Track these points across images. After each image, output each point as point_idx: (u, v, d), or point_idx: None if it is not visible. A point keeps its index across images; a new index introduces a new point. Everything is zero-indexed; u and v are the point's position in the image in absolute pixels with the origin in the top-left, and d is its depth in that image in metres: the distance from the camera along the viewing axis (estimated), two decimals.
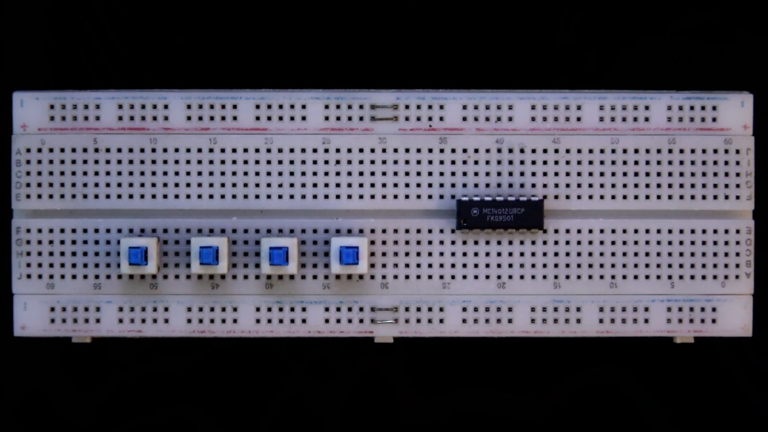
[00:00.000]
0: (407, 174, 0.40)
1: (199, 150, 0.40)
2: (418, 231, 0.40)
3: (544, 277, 0.41)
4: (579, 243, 0.41)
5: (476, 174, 0.40)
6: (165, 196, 0.40)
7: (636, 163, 0.40)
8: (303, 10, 0.44)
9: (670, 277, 0.41)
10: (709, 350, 0.43)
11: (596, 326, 0.41)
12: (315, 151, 0.40)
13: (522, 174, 0.40)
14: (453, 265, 0.40)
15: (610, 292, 0.41)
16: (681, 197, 0.41)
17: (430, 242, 0.40)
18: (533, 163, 0.40)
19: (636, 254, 0.41)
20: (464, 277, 0.40)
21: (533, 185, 0.40)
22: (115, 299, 0.40)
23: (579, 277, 0.41)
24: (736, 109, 0.40)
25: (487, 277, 0.40)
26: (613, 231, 0.41)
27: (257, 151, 0.40)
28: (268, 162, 0.40)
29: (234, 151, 0.40)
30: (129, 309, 0.40)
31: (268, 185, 0.40)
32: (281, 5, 0.44)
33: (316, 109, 0.40)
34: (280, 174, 0.40)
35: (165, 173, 0.40)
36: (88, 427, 0.43)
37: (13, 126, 0.40)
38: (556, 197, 0.40)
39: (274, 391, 0.43)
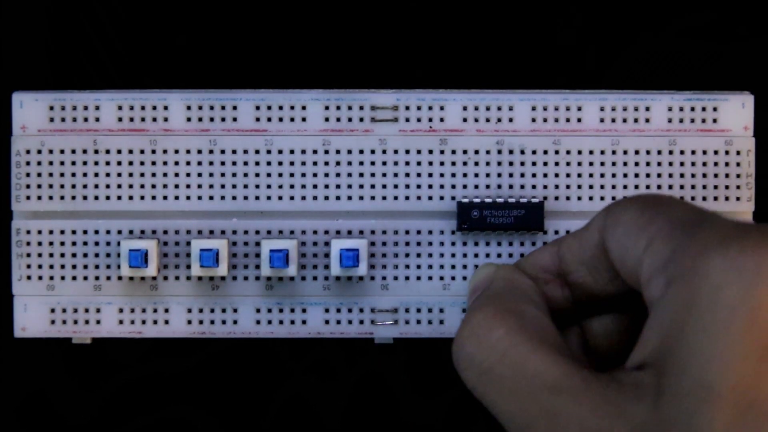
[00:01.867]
0: (407, 175, 0.40)
1: (199, 151, 0.40)
2: (419, 232, 0.40)
3: None
4: None
5: (476, 175, 0.40)
6: (165, 198, 0.40)
7: (636, 164, 0.40)
8: (303, 10, 0.44)
9: None
10: None
11: None
12: (315, 152, 0.40)
13: (522, 175, 0.40)
14: (453, 267, 0.40)
15: None
16: (681, 198, 0.40)
17: (430, 244, 0.40)
18: (533, 164, 0.40)
19: None
20: (464, 278, 0.40)
21: (533, 187, 0.40)
22: (115, 300, 0.40)
23: None
24: (737, 110, 0.40)
25: None
26: None
27: (257, 152, 0.40)
28: (268, 163, 0.40)
29: (234, 152, 0.40)
30: (129, 310, 0.40)
31: (268, 187, 0.40)
32: (281, 5, 0.44)
33: (316, 110, 0.40)
34: (280, 175, 0.40)
35: (165, 175, 0.40)
36: (88, 427, 0.43)
37: (12, 127, 0.40)
38: (556, 198, 0.40)
39: (275, 391, 0.43)
